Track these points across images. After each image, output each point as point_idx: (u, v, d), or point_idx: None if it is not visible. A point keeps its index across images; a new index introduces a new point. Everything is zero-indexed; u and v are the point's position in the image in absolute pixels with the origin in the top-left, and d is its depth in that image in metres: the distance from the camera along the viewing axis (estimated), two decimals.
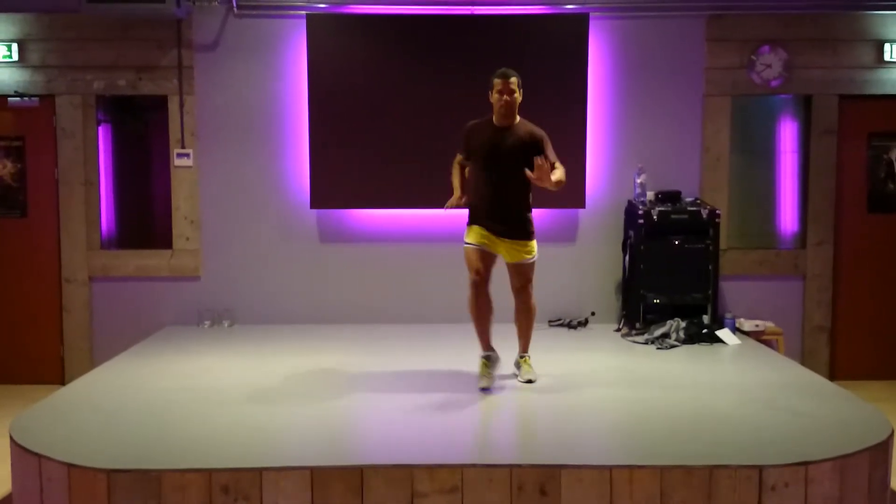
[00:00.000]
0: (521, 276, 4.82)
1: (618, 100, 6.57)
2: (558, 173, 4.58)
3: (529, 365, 4.95)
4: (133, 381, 4.91)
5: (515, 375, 4.94)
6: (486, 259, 4.72)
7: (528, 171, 4.47)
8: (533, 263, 4.82)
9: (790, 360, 5.54)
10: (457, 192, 4.95)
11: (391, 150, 6.44)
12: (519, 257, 4.75)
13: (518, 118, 4.74)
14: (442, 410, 4.32)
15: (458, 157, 4.98)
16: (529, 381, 4.82)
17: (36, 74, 6.47)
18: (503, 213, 4.71)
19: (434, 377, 4.94)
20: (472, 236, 4.76)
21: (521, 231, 4.75)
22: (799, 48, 6.52)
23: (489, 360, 4.79)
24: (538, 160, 4.42)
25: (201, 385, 4.80)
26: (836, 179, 6.63)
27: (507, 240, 4.73)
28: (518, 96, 4.67)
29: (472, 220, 4.80)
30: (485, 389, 4.64)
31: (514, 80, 4.64)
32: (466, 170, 4.94)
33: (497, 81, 4.65)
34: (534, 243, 4.80)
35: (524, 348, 5.01)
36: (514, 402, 4.48)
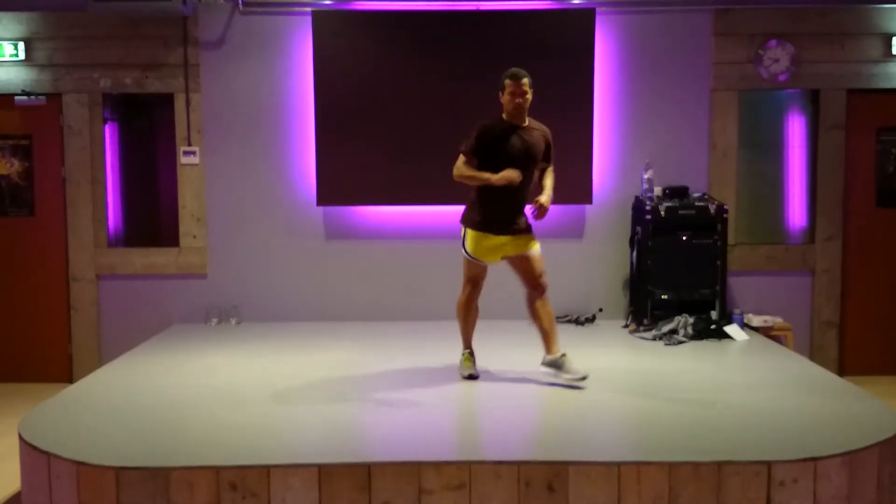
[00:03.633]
0: (537, 264, 4.70)
1: (624, 95, 6.56)
2: (550, 181, 4.77)
3: (570, 361, 4.68)
4: (141, 378, 4.92)
5: (546, 373, 4.75)
6: (482, 271, 4.79)
7: (536, 202, 4.59)
8: (540, 255, 4.77)
9: (799, 356, 5.52)
10: (492, 175, 4.58)
11: (397, 146, 6.44)
12: (525, 247, 4.70)
13: (527, 119, 4.72)
14: (449, 407, 4.32)
15: (463, 158, 4.66)
16: (583, 379, 4.60)
17: (43, 73, 6.48)
18: (514, 210, 4.68)
19: (441, 374, 4.94)
20: (481, 251, 4.66)
21: (529, 226, 4.75)
22: (806, 42, 6.49)
23: (473, 354, 4.90)
24: (538, 200, 4.59)
25: (209, 382, 4.81)
26: (845, 174, 6.60)
27: (514, 235, 4.68)
28: (529, 97, 4.63)
29: (483, 226, 4.64)
30: (471, 377, 4.78)
31: (525, 80, 4.60)
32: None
33: (508, 83, 4.60)
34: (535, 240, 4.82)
35: (554, 345, 4.74)
36: (521, 399, 4.47)
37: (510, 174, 4.52)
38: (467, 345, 4.93)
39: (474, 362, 4.89)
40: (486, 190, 4.61)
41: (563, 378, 4.65)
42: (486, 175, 4.56)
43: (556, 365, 4.70)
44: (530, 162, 4.67)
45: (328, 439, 3.81)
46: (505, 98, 4.63)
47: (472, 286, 4.81)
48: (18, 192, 6.62)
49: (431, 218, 6.57)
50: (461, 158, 4.68)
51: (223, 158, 6.57)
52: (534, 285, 4.73)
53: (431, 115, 6.42)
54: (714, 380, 4.82)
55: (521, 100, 4.60)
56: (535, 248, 4.74)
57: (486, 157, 4.63)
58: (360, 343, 5.87)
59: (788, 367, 5.12)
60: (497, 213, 4.65)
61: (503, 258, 4.73)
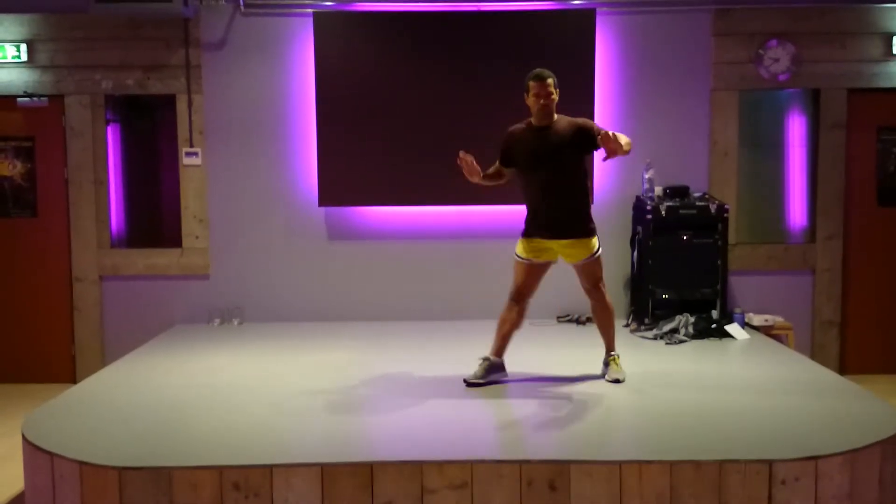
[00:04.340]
0: (588, 276, 4.74)
1: (625, 95, 6.56)
2: (624, 137, 4.40)
3: (618, 364, 4.82)
4: (144, 379, 4.93)
5: (603, 375, 4.83)
6: (532, 275, 4.71)
7: (601, 144, 4.31)
8: (598, 259, 4.72)
9: (800, 355, 5.53)
10: (478, 170, 4.64)
11: (399, 146, 6.45)
12: (579, 256, 4.66)
13: (556, 116, 4.65)
14: (451, 406, 4.33)
15: (496, 166, 4.78)
16: (616, 381, 4.70)
17: (45, 74, 6.50)
18: (557, 213, 4.61)
19: (442, 374, 4.94)
20: (522, 249, 4.71)
21: (579, 229, 4.63)
22: (807, 42, 6.50)
23: (489, 362, 4.75)
24: (601, 134, 4.32)
25: (212, 383, 4.82)
26: (846, 173, 6.61)
27: (564, 240, 4.63)
28: (555, 97, 4.59)
29: (526, 232, 4.71)
30: (468, 383, 4.65)
31: (550, 80, 4.56)
32: (501, 171, 4.79)
33: (532, 84, 4.57)
34: (595, 240, 4.70)
35: (609, 347, 4.88)
36: (523, 398, 4.47)
37: (467, 161, 4.57)
38: (495, 352, 4.79)
39: (487, 373, 4.71)
40: (524, 195, 4.71)
41: (606, 377, 4.80)
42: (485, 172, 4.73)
43: (605, 363, 4.87)
44: (548, 162, 4.57)
45: (331, 439, 3.82)
46: (530, 100, 4.60)
47: (513, 292, 4.72)
48: (21, 194, 6.64)
49: (433, 218, 6.58)
50: (495, 165, 4.79)
51: (225, 159, 6.59)
52: (587, 292, 4.82)
53: (432, 116, 6.43)
54: (715, 379, 4.82)
55: (545, 101, 4.56)
56: (588, 257, 4.66)
57: (514, 163, 4.70)
58: (363, 343, 5.88)
59: (789, 366, 5.13)
60: (532, 216, 4.68)
61: (561, 259, 4.72)
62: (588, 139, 4.53)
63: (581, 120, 4.65)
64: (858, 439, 3.59)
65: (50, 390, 5.40)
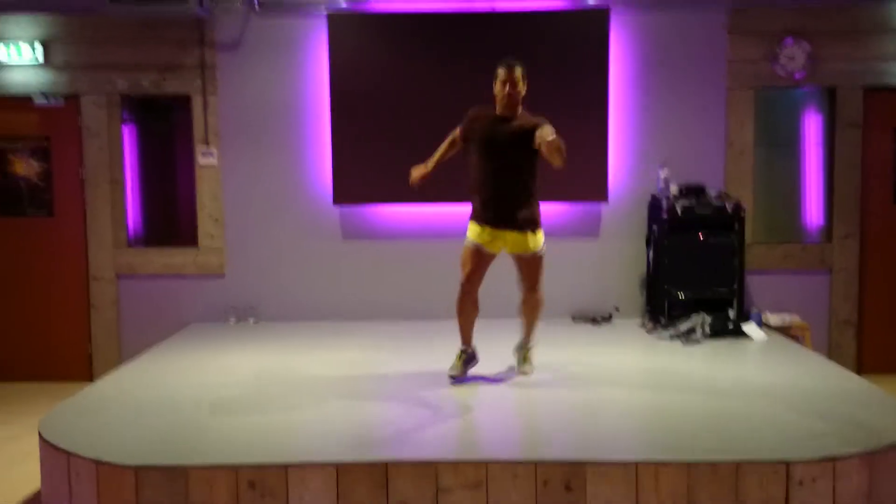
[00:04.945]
0: (530, 274, 4.73)
1: (640, 94, 6.54)
2: (552, 135, 4.32)
3: (529, 357, 4.94)
4: (160, 378, 4.95)
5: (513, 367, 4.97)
6: (481, 262, 4.65)
7: (537, 143, 4.34)
8: (540, 258, 4.69)
9: (817, 355, 5.50)
10: (429, 165, 4.80)
11: (412, 145, 6.41)
12: (523, 247, 4.63)
13: (520, 109, 4.64)
14: (466, 406, 4.33)
15: (455, 133, 4.83)
16: (523, 374, 4.86)
17: (61, 75, 6.53)
18: (504, 203, 4.58)
19: None
20: (472, 232, 4.68)
21: (525, 220, 4.61)
22: (823, 40, 6.46)
23: (464, 353, 4.81)
24: (540, 133, 4.32)
25: (227, 381, 4.84)
26: (862, 172, 6.56)
27: (510, 231, 4.60)
28: (522, 88, 4.58)
29: (473, 216, 4.70)
30: (454, 378, 4.70)
31: (518, 70, 4.55)
32: (454, 150, 4.85)
33: (501, 71, 4.56)
34: (540, 235, 4.67)
35: (527, 339, 4.96)
36: (539, 398, 4.47)
37: (413, 173, 4.72)
38: (464, 341, 4.84)
39: (466, 363, 4.80)
40: (471, 181, 4.70)
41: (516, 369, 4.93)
42: (432, 158, 4.85)
43: (516, 352, 4.99)
44: (501, 151, 4.55)
45: (346, 438, 3.82)
46: (497, 87, 4.59)
47: (462, 279, 4.65)
48: (37, 193, 6.68)
49: (448, 217, 6.57)
50: (454, 132, 4.82)
51: (240, 159, 6.61)
52: (524, 289, 4.82)
53: (446, 116, 6.35)
54: (731, 379, 4.80)
55: (512, 90, 4.54)
56: (532, 250, 4.65)
57: (471, 144, 4.71)
58: (377, 342, 5.88)
59: (806, 366, 5.10)
60: (480, 201, 4.66)
61: (506, 252, 4.69)
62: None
63: (542, 120, 4.54)
64: (876, 440, 3.57)
65: (66, 389, 5.44)
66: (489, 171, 4.61)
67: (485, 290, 4.82)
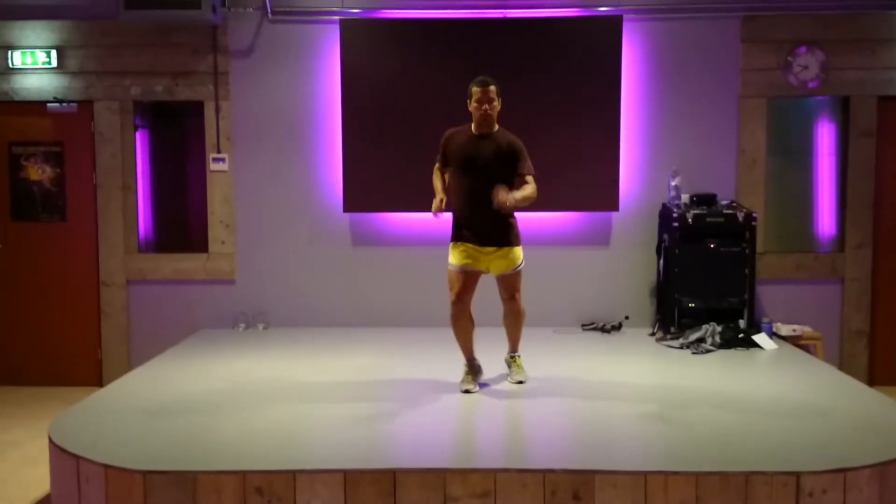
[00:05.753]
0: (508, 287, 4.76)
1: (652, 102, 6.53)
2: (527, 189, 4.52)
3: (519, 365, 4.99)
4: (169, 383, 4.96)
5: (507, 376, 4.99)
6: (468, 281, 4.67)
7: (497, 190, 4.43)
8: (519, 273, 4.73)
9: (828, 366, 5.47)
10: (439, 194, 4.79)
11: (423, 153, 6.39)
12: (504, 267, 4.68)
13: (497, 127, 4.67)
14: (475, 414, 4.32)
15: (436, 165, 4.89)
16: (519, 382, 4.87)
17: (74, 80, 6.57)
18: (484, 221, 4.60)
19: None
20: (455, 257, 4.69)
21: (504, 237, 4.65)
22: (836, 49, 6.43)
23: (471, 367, 4.85)
24: (496, 187, 4.42)
25: (236, 387, 4.85)
26: (875, 182, 6.53)
27: (490, 248, 4.64)
28: (497, 105, 4.62)
29: (455, 237, 4.72)
30: (467, 392, 4.70)
31: (493, 88, 4.58)
32: (446, 176, 4.86)
33: (476, 90, 4.60)
34: (518, 250, 4.71)
35: (513, 348, 5.01)
36: (548, 407, 4.45)
37: (432, 207, 4.67)
38: (467, 356, 4.88)
39: (475, 376, 4.84)
40: (453, 199, 4.72)
41: (509, 378, 4.95)
42: (436, 189, 4.79)
43: (507, 363, 5.03)
44: (480, 171, 4.58)
45: (354, 445, 3.82)
46: (472, 106, 4.63)
47: (453, 299, 4.68)
48: (50, 198, 6.71)
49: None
50: (436, 164, 4.88)
51: (252, 165, 6.63)
52: (503, 300, 4.83)
53: (456, 124, 6.38)
54: (742, 389, 4.78)
55: (488, 107, 4.58)
56: (512, 268, 4.68)
57: (452, 166, 4.75)
58: (387, 349, 5.88)
59: (818, 376, 5.07)
60: (460, 220, 4.70)
61: (487, 269, 4.71)
62: (512, 162, 4.59)
63: (518, 144, 4.64)
64: (888, 452, 3.54)
65: (76, 393, 5.46)
66: (469, 190, 4.64)
67: (484, 300, 4.84)
